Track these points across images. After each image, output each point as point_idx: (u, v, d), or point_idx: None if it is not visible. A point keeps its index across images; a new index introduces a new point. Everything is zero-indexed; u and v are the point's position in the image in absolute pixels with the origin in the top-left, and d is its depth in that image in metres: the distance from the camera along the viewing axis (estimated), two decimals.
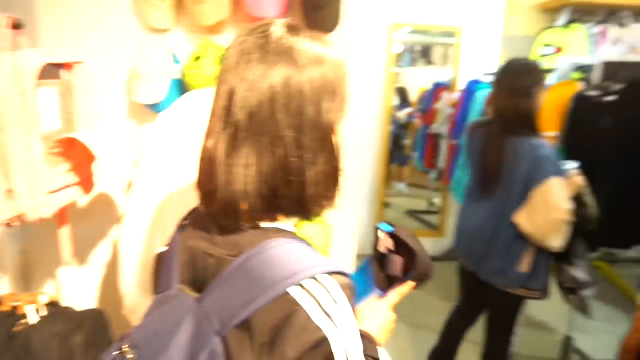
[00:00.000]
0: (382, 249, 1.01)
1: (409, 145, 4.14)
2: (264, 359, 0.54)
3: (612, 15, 3.87)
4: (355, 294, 0.60)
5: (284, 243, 0.58)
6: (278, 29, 0.60)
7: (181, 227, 0.71)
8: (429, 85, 3.67)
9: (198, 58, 1.67)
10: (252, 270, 0.56)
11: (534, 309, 2.89)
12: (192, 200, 0.68)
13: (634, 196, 1.91)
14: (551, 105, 2.06)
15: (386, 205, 3.89)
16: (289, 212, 0.62)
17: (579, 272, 1.61)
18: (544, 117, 2.10)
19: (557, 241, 1.54)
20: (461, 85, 3.28)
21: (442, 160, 3.46)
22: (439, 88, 3.39)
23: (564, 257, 1.62)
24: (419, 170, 3.93)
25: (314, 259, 0.58)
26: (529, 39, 3.95)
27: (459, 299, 2.02)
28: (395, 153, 4.29)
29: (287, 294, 0.53)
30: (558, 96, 2.05)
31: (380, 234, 1.00)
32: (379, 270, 0.97)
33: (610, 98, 1.92)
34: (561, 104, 2.00)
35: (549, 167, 1.52)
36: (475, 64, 3.36)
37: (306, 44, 0.60)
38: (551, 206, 1.50)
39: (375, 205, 3.71)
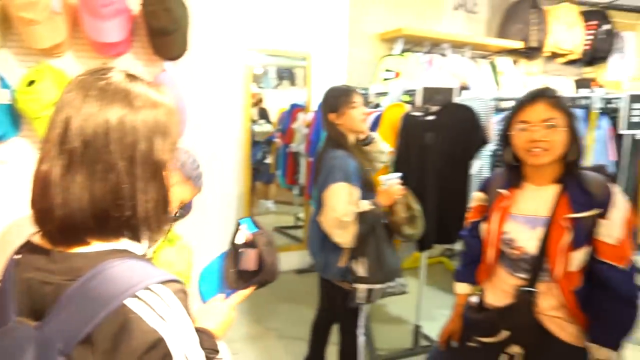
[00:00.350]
0: (239, 241, 1.07)
1: (272, 164, 4.29)
2: None
3: (436, 46, 4.55)
4: (187, 295, 0.67)
5: (120, 262, 0.62)
6: (117, 74, 0.67)
7: (13, 261, 0.70)
8: (287, 106, 3.86)
9: (32, 82, 1.56)
10: (90, 291, 0.59)
11: (389, 305, 3.23)
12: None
13: (452, 200, 2.28)
14: (386, 124, 2.37)
15: None
16: (121, 233, 0.66)
17: (360, 267, 1.82)
18: (381, 134, 2.40)
19: (339, 238, 1.77)
20: (314, 106, 3.54)
21: (302, 177, 3.66)
22: (296, 109, 3.60)
23: (355, 253, 1.84)
24: (283, 187, 4.10)
25: (147, 271, 0.63)
26: (372, 64, 4.42)
27: (319, 301, 2.19)
28: (260, 172, 4.42)
29: (124, 305, 0.58)
30: (391, 116, 2.36)
31: (242, 227, 1.07)
32: (231, 264, 1.04)
33: (430, 117, 2.29)
34: (394, 123, 2.31)
35: (336, 174, 1.77)
36: (325, 86, 3.65)
37: (142, 89, 0.67)
38: (330, 207, 1.75)
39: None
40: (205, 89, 2.16)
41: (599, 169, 1.43)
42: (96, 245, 0.65)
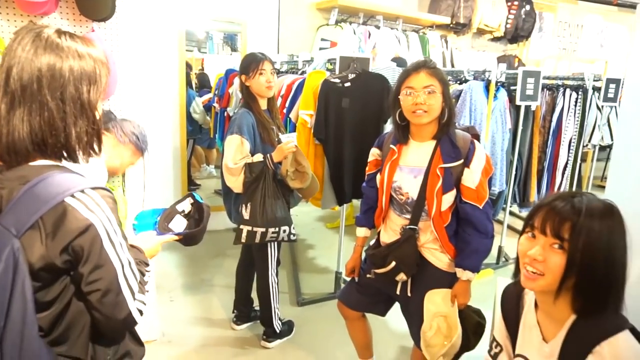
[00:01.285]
0: (179, 207, 1.35)
1: (211, 128, 4.41)
2: (49, 245, 0.78)
3: (370, 18, 4.76)
4: (116, 203, 0.88)
5: (60, 172, 0.83)
6: (51, 30, 0.85)
7: None
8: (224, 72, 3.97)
9: None
10: (36, 191, 0.79)
11: (317, 257, 3.53)
12: None
13: (364, 158, 2.54)
14: (308, 89, 2.58)
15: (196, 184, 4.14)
16: (60, 155, 0.86)
17: (245, 211, 2.09)
18: (304, 99, 2.62)
19: (230, 183, 2.07)
20: None
21: None
22: (232, 74, 3.72)
23: (243, 199, 2.11)
24: (222, 150, 4.23)
25: (82, 180, 0.84)
26: (308, 33, 4.58)
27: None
28: (201, 137, 4.51)
29: (63, 201, 0.79)
30: (312, 82, 2.57)
31: (189, 199, 1.36)
32: (166, 219, 1.30)
33: (347, 84, 2.52)
34: (315, 88, 2.53)
35: (233, 127, 2.05)
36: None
37: (71, 43, 0.85)
38: (224, 155, 2.05)
39: (184, 188, 3.90)
40: (139, 51, 2.26)
41: (468, 128, 1.74)
42: (40, 162, 0.84)
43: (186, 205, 1.35)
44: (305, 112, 2.53)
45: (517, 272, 1.06)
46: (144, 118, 2.12)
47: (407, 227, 1.63)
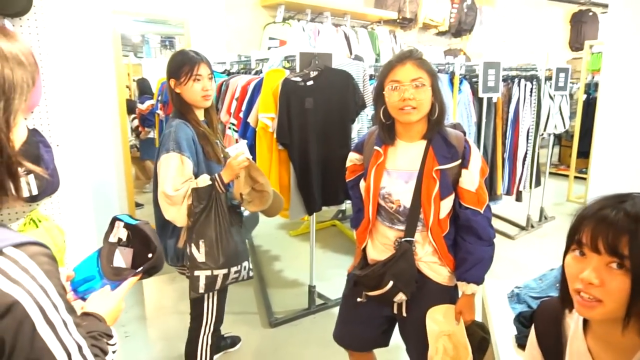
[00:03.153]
0: (113, 239, 1.04)
1: (157, 139, 4.05)
2: None
3: (318, 15, 4.59)
4: (55, 262, 0.63)
5: None
6: None
7: None
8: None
9: None
10: None
11: (285, 270, 3.30)
12: None
13: (335, 162, 2.36)
14: (267, 90, 2.35)
15: (139, 204, 3.74)
16: None
17: (198, 251, 1.62)
18: (263, 101, 2.38)
19: (170, 215, 1.59)
20: None
21: None
22: None
23: (192, 234, 1.62)
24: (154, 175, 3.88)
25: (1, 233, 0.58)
26: (255, 32, 4.33)
27: None
28: (145, 148, 4.13)
29: None
30: (271, 82, 2.34)
31: (118, 224, 1.05)
32: (107, 263, 1.00)
33: (309, 82, 2.32)
34: (274, 89, 2.30)
35: (168, 144, 1.58)
36: (205, 54, 3.50)
37: None
38: (159, 181, 1.58)
39: (127, 204, 3.52)
40: (67, 56, 1.93)
41: (455, 126, 1.58)
42: None
43: (120, 232, 1.04)
44: (265, 115, 2.29)
45: (564, 297, 0.89)
46: (75, 134, 1.80)
47: (403, 239, 1.43)
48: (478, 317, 1.51)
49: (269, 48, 4.34)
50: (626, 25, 1.08)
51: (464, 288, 1.44)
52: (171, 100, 1.73)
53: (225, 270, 1.66)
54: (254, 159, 2.27)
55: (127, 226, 1.04)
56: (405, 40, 5.59)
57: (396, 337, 1.59)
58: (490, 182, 3.28)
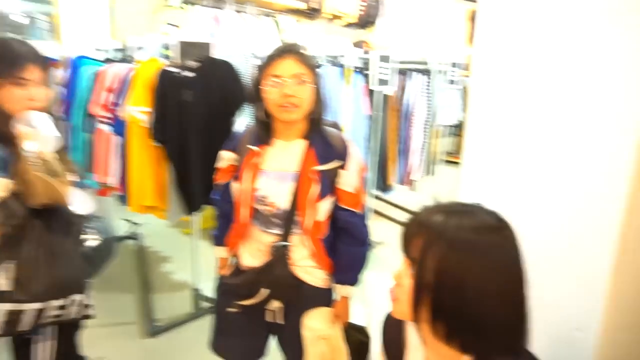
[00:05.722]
0: None
1: None
2: None
3: (218, 0, 4.38)
4: None
5: None
6: None
7: None
8: None
9: None
10: None
11: (170, 269, 3.12)
12: None
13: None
14: (140, 82, 2.16)
15: None
16: None
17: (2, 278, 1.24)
18: (135, 93, 2.19)
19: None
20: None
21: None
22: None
23: None
24: None
25: None
26: (148, 16, 4.03)
27: None
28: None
29: None
30: (145, 73, 2.16)
31: None
32: None
33: (189, 74, 2.17)
34: (149, 80, 2.13)
35: None
36: (83, 38, 3.18)
37: None
38: None
39: None
40: None
41: (333, 124, 1.54)
42: None
43: None
44: (136, 109, 2.11)
45: None
46: None
47: (278, 244, 1.36)
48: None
49: (165, 34, 4.07)
50: (489, 27, 1.10)
51: (341, 291, 1.42)
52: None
53: (38, 305, 1.27)
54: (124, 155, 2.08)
55: None
56: (312, 30, 5.55)
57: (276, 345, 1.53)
58: (383, 174, 3.35)
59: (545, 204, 1.06)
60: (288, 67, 1.28)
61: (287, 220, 1.36)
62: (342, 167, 1.36)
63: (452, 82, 3.94)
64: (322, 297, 1.44)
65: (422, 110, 3.49)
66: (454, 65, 3.93)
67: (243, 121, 2.32)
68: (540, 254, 0.97)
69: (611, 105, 0.93)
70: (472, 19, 7.68)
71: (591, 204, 0.98)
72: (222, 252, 1.52)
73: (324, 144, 1.36)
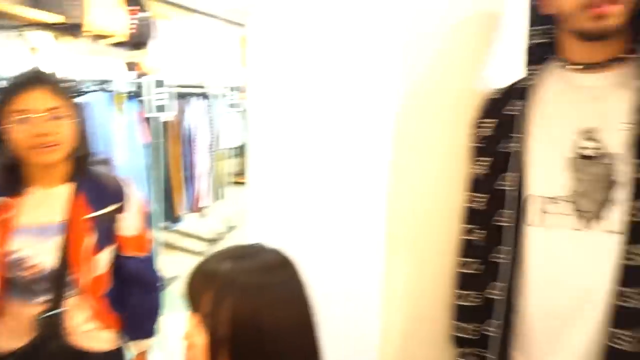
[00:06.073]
0: None
1: None
2: None
3: None
4: None
5: None
6: None
7: None
8: None
9: None
10: None
11: None
12: None
13: None
14: None
15: None
16: None
17: None
18: None
19: None
20: None
21: None
22: None
23: None
24: None
25: None
26: None
27: None
28: None
29: None
30: None
31: None
32: None
33: None
34: None
35: None
36: None
37: None
38: None
39: None
40: None
41: (103, 161, 1.38)
42: None
43: None
44: None
45: None
46: None
47: (45, 315, 1.14)
48: None
49: None
50: (259, 51, 1.16)
51: (133, 347, 1.29)
52: None
53: None
54: None
55: None
56: (73, 49, 4.95)
57: None
58: (170, 204, 3.22)
59: (317, 217, 1.14)
60: (39, 99, 1.10)
61: (57, 282, 1.15)
62: (119, 210, 1.23)
63: (232, 105, 4.06)
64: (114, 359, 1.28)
65: (205, 135, 3.50)
66: (232, 89, 4.06)
67: None
68: (319, 277, 1.05)
69: (364, 123, 1.04)
70: (245, 43, 8.08)
71: (358, 219, 1.07)
72: None
73: (95, 186, 1.21)
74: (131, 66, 5.57)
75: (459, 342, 1.08)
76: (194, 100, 3.41)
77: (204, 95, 3.56)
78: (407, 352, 1.10)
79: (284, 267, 0.79)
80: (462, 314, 1.07)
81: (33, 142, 1.09)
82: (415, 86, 1.03)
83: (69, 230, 1.16)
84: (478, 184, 1.05)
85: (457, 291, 1.08)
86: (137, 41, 5.69)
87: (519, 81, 1.01)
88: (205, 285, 0.74)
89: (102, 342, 1.24)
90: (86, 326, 1.21)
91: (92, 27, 4.99)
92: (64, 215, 1.16)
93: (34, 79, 1.14)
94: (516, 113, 0.97)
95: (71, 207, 1.17)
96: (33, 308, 1.15)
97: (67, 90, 1.20)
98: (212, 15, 7.25)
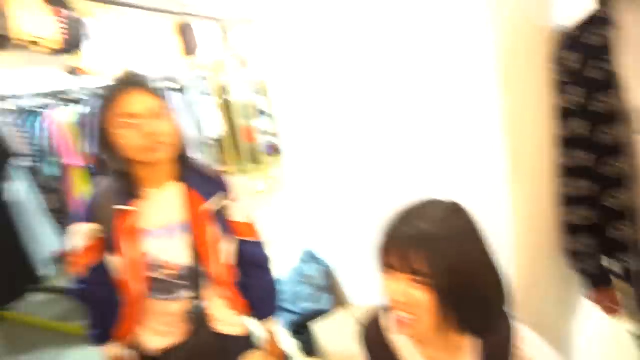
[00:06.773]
0: None
1: None
2: None
3: None
4: None
5: None
6: None
7: None
8: None
9: None
10: None
11: None
12: None
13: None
14: None
15: None
16: None
17: None
18: None
19: None
20: None
21: None
22: None
23: None
24: None
25: None
26: None
27: None
28: None
29: None
30: None
31: None
32: None
33: None
34: None
35: None
36: None
37: None
38: None
39: None
40: None
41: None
42: None
43: None
44: None
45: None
46: None
47: (194, 306, 1.18)
48: None
49: None
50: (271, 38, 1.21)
51: (265, 325, 1.33)
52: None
53: None
54: None
55: None
56: (4, 63, 4.49)
57: None
58: None
59: None
60: (141, 101, 1.10)
61: (194, 277, 1.18)
62: (227, 198, 1.26)
63: (204, 94, 3.93)
64: (249, 344, 1.33)
65: (188, 127, 3.38)
66: (200, 78, 3.92)
67: (17, 187, 1.73)
68: None
69: None
70: (181, 31, 7.69)
71: None
72: (112, 349, 1.25)
73: (200, 180, 1.23)
74: (72, 71, 5.16)
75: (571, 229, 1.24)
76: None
77: (178, 88, 3.42)
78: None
79: (460, 210, 0.83)
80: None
81: (144, 143, 1.09)
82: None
83: (193, 226, 1.18)
84: (575, 113, 1.14)
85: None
86: (72, 45, 5.26)
87: (596, 12, 1.07)
88: (414, 247, 0.77)
89: (237, 327, 1.30)
90: (223, 313, 1.27)
91: (20, 35, 4.54)
92: (185, 213, 1.17)
93: (131, 82, 1.13)
94: (604, 39, 1.03)
95: (189, 204, 1.18)
96: (174, 305, 1.20)
97: (158, 90, 1.18)
98: (138, 7, 6.81)
